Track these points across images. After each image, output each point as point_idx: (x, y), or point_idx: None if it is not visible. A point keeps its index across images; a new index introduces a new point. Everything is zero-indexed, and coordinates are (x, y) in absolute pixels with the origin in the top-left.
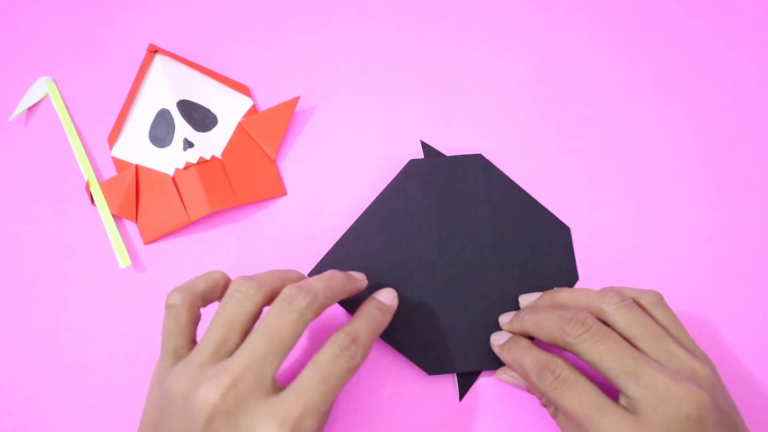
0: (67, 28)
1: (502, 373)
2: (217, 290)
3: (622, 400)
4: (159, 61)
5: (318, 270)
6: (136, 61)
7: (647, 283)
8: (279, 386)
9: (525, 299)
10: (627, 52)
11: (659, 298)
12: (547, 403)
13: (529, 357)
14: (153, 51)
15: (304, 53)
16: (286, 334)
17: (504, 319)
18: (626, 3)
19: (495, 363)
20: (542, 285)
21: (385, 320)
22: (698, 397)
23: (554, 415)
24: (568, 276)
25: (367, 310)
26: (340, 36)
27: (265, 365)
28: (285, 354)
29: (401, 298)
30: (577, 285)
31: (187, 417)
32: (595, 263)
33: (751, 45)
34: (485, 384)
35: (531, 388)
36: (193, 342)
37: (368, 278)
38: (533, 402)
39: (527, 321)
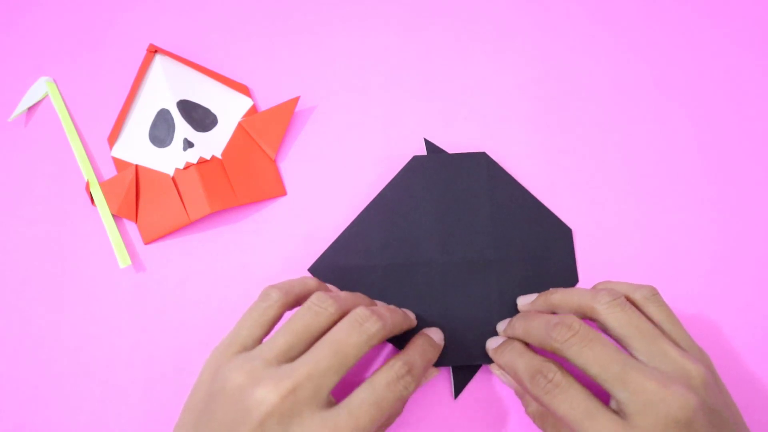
0: (67, 28)
1: (497, 369)
2: (306, 298)
3: (613, 404)
4: (159, 61)
5: (319, 264)
6: (136, 61)
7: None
8: (332, 401)
9: (522, 301)
10: (630, 51)
11: (653, 293)
12: (534, 411)
13: (522, 361)
14: (153, 51)
15: (304, 53)
16: (351, 352)
17: (500, 327)
18: (630, 2)
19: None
20: (542, 285)
21: (434, 358)
22: (687, 401)
23: (541, 425)
24: (568, 277)
25: (422, 344)
26: (340, 35)
27: (325, 378)
28: (345, 371)
29: (400, 296)
30: (577, 287)
31: (239, 411)
32: (596, 265)
33: (754, 47)
34: (480, 382)
35: (521, 393)
36: (262, 340)
37: (369, 275)
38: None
39: (518, 327)
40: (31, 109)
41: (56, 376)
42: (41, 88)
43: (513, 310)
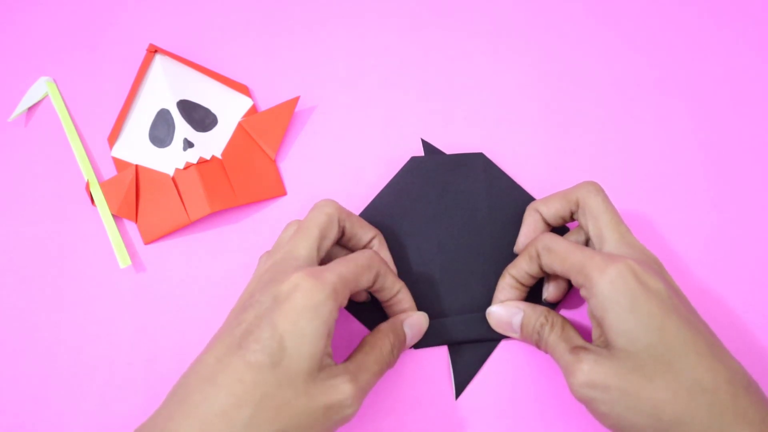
0: (67, 28)
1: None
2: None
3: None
4: (159, 61)
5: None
6: (136, 61)
7: None
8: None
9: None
10: (630, 51)
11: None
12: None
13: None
14: (153, 51)
15: (304, 53)
16: (309, 223)
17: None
18: (630, 1)
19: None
20: (540, 284)
21: (384, 370)
22: (637, 265)
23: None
24: None
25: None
26: (340, 35)
27: (296, 246)
28: (313, 237)
29: None
30: None
31: (238, 304)
32: None
33: (758, 46)
34: (481, 382)
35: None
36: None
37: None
38: (529, 401)
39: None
40: (31, 109)
41: (56, 376)
42: (41, 88)
43: None
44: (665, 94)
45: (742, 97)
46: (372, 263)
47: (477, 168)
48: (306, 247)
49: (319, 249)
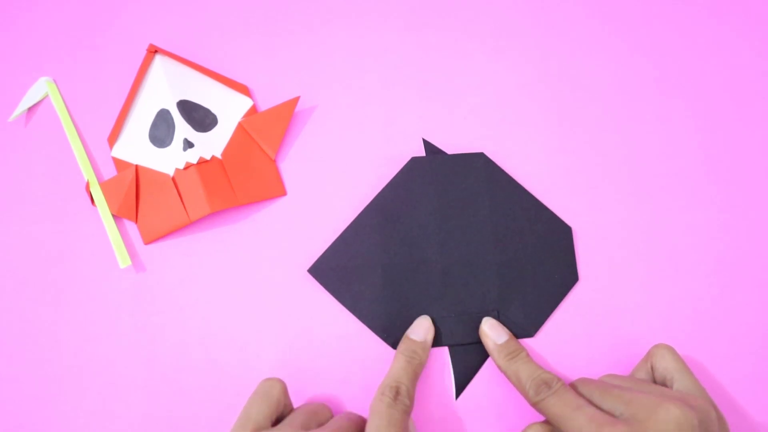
0: (67, 28)
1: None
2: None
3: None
4: (159, 61)
5: (319, 265)
6: (136, 61)
7: (648, 285)
8: None
9: (490, 325)
10: (631, 51)
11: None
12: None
13: (527, 369)
14: (153, 51)
15: (304, 53)
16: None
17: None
18: (630, 2)
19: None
20: (542, 284)
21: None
22: (684, 412)
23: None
24: (568, 276)
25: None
26: (340, 35)
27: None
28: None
29: (400, 296)
30: (578, 285)
31: None
32: (596, 264)
33: (758, 45)
34: (481, 382)
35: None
36: (273, 417)
37: (369, 276)
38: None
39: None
40: (31, 109)
41: (56, 376)
42: (41, 88)
43: (513, 309)
44: (665, 94)
45: (742, 97)
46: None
47: (478, 168)
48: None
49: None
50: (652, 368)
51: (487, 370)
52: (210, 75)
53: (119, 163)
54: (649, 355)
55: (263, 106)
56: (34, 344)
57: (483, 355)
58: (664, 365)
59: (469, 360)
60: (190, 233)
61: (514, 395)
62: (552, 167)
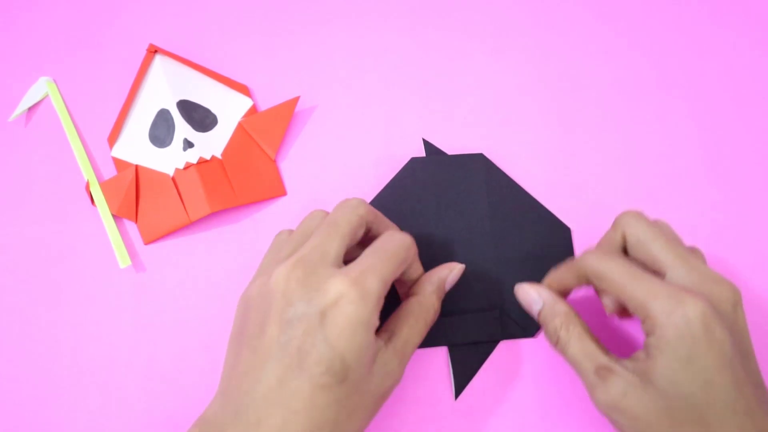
0: (67, 28)
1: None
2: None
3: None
4: (159, 61)
5: None
6: (136, 61)
7: None
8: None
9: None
10: (630, 52)
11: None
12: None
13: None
14: (153, 51)
15: (304, 53)
16: (341, 221)
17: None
18: (630, 2)
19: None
20: None
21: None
22: (704, 310)
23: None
24: None
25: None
26: (340, 35)
27: (327, 243)
28: (344, 236)
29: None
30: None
31: (265, 298)
32: None
33: (758, 45)
34: (481, 382)
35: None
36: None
37: None
38: (529, 402)
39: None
40: (31, 109)
41: (55, 376)
42: (41, 88)
43: (513, 309)
44: (665, 94)
45: (742, 96)
46: (408, 256)
47: (477, 169)
48: (336, 247)
49: (346, 249)
50: (623, 238)
51: (487, 369)
52: (210, 75)
53: (119, 163)
54: (617, 224)
55: (263, 106)
56: (33, 344)
57: (483, 354)
58: (637, 235)
59: (468, 360)
60: (190, 233)
61: (513, 395)
62: (551, 168)
